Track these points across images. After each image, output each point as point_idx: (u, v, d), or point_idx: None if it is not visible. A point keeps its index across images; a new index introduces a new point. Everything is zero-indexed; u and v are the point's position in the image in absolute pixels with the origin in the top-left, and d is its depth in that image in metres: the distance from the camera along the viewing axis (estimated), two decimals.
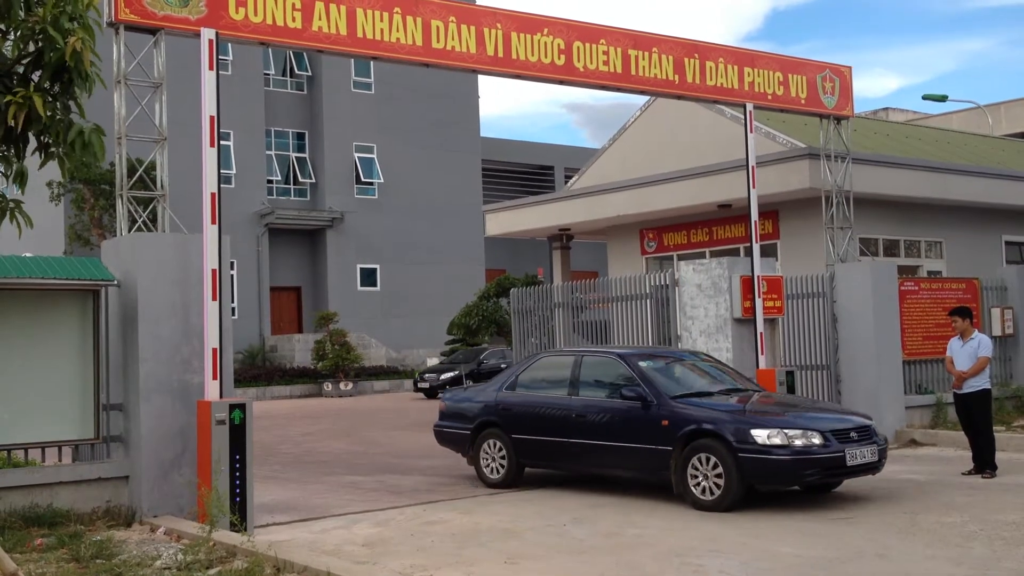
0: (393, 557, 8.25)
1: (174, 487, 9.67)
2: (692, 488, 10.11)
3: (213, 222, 9.94)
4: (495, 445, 11.98)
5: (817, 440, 9.89)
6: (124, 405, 9.91)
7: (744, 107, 14.80)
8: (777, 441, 9.82)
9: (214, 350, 9.75)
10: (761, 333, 14.05)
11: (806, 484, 10.29)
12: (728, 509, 9.81)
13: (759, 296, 14.12)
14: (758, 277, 14.17)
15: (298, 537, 9.17)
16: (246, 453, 9.53)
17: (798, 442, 9.83)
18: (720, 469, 9.93)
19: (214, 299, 9.80)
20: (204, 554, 7.84)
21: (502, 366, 32.49)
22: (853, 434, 10.20)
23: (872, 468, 10.30)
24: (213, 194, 10.03)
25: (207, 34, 10.35)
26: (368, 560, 8.13)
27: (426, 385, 32.21)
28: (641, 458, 10.65)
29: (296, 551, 7.96)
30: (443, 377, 31.75)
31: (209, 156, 10.10)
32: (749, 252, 14.73)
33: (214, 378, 9.73)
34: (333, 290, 40.76)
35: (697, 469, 10.11)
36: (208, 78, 10.19)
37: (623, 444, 10.77)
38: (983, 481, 11.55)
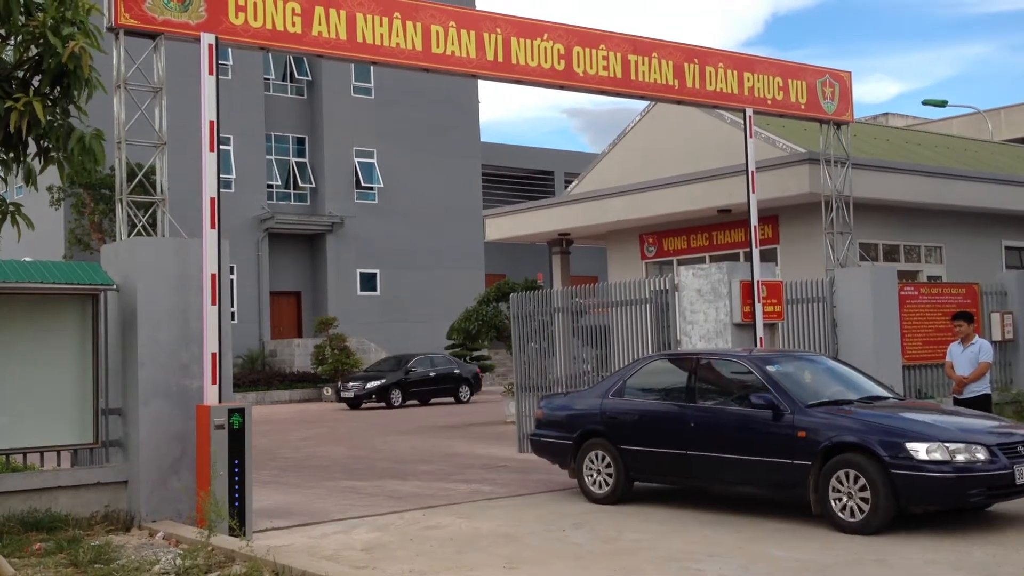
0: (392, 562, 8.25)
1: (173, 492, 9.65)
2: (834, 508, 9.09)
3: (212, 227, 9.93)
4: (600, 457, 10.99)
5: (982, 455, 8.83)
6: (123, 409, 9.91)
7: (744, 112, 14.82)
8: (937, 456, 8.74)
9: (213, 355, 9.74)
10: (761, 338, 14.03)
11: (968, 505, 9.16)
12: (876, 532, 8.83)
13: (759, 301, 14.11)
14: (758, 282, 14.16)
15: (297, 542, 9.17)
16: (245, 458, 9.52)
17: (961, 457, 8.77)
18: (867, 488, 8.90)
19: (213, 303, 9.79)
20: (203, 559, 7.82)
21: (431, 374, 31.38)
22: (1021, 448, 9.13)
23: None
24: (212, 199, 10.03)
25: (207, 39, 10.35)
26: (367, 565, 8.12)
27: (350, 394, 30.17)
28: (772, 473, 9.62)
29: (295, 556, 7.95)
30: (369, 386, 30.12)
31: (209, 161, 10.09)
32: (749, 257, 14.73)
33: (213, 383, 9.71)
34: (333, 295, 40.77)
35: (840, 486, 9.07)
36: (208, 83, 10.20)
37: (750, 457, 9.74)
38: None
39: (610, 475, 10.91)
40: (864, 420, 9.39)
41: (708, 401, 10.43)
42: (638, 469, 10.81)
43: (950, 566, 7.70)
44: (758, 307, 14.10)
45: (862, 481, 8.96)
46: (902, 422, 9.37)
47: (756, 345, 13.95)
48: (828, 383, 10.49)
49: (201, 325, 9.85)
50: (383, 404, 30.27)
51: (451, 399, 31.82)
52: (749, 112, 14.80)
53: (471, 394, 32.18)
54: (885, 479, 8.84)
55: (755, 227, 14.63)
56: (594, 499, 10.97)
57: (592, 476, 11.07)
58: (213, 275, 9.84)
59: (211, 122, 10.14)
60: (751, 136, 14.73)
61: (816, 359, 11.25)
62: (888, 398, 10.43)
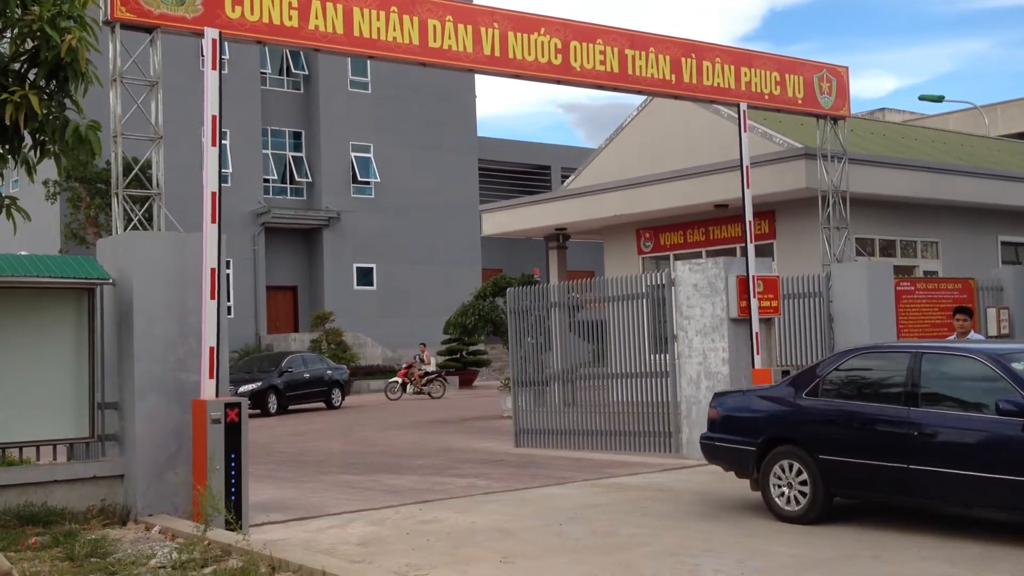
0: (388, 556, 8.25)
1: (169, 486, 9.65)
2: None
3: (213, 221, 9.91)
4: (791, 467, 9.31)
5: None
6: (119, 404, 9.90)
7: (738, 107, 14.82)
8: None
9: (211, 349, 9.73)
10: (757, 333, 14.04)
11: None
12: None
13: (755, 296, 14.11)
14: (754, 277, 14.16)
15: (293, 536, 9.16)
16: (241, 452, 9.51)
17: None
18: None
19: (212, 298, 9.78)
20: (199, 553, 7.82)
21: (305, 376, 27.74)
22: None
23: None
24: (214, 193, 10.00)
25: (210, 33, 10.34)
26: (363, 559, 8.12)
27: None
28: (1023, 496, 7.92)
29: (291, 550, 7.95)
30: (241, 390, 25.39)
31: (210, 155, 10.07)
32: (745, 252, 14.74)
33: (210, 377, 9.71)
34: (329, 289, 40.76)
35: None
36: (211, 77, 10.17)
37: (994, 476, 8.03)
38: None
39: (804, 488, 9.23)
40: None
41: (934, 405, 8.63)
42: (841, 483, 9.10)
43: (946, 562, 7.71)
44: (754, 302, 14.10)
45: None
46: None
47: (753, 340, 13.94)
48: None
49: (197, 319, 9.84)
50: (259, 411, 25.92)
51: (322, 404, 28.39)
52: (743, 107, 14.80)
53: (342, 398, 28.95)
54: None
55: (750, 222, 14.64)
56: (785, 517, 9.30)
57: (781, 490, 9.39)
58: (212, 269, 9.82)
59: (213, 117, 10.13)
60: (745, 131, 14.73)
61: None
62: None
